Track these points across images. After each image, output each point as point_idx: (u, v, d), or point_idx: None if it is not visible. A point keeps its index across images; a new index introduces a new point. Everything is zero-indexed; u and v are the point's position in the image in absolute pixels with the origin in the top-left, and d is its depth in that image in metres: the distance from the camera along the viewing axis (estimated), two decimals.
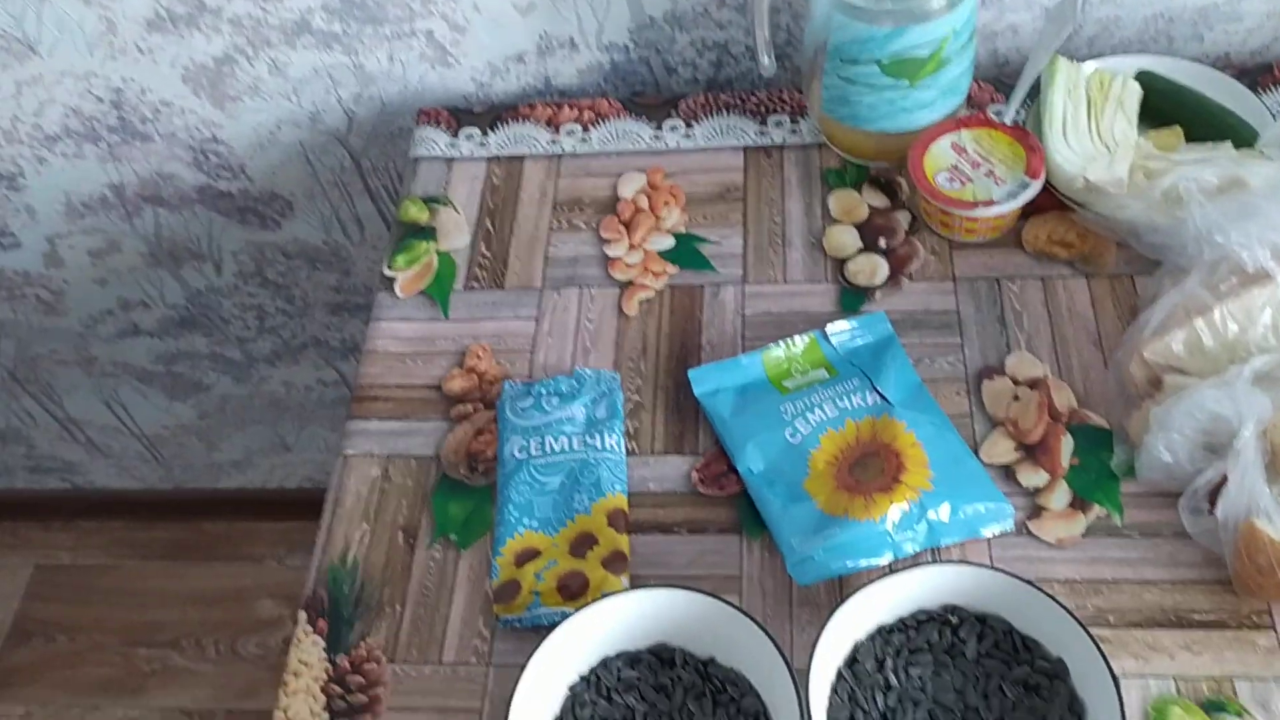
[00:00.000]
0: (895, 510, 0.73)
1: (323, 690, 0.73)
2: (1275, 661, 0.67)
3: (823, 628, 0.64)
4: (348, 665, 0.74)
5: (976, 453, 0.78)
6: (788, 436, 0.78)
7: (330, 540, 0.80)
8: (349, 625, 0.76)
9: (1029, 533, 0.75)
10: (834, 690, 0.66)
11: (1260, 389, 0.70)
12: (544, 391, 0.83)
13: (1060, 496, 0.76)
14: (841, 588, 0.74)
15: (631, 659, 0.70)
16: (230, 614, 1.72)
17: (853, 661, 0.67)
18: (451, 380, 0.87)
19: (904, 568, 0.67)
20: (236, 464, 1.70)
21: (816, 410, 0.79)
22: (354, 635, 0.75)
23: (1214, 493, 0.70)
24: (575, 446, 0.80)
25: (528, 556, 0.75)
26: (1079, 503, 0.76)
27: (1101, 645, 0.62)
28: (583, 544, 0.76)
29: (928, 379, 0.82)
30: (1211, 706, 0.66)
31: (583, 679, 0.69)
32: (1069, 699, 0.64)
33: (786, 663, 0.63)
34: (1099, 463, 0.77)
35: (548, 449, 0.80)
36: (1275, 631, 0.69)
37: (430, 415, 0.85)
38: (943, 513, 0.73)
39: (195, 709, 1.63)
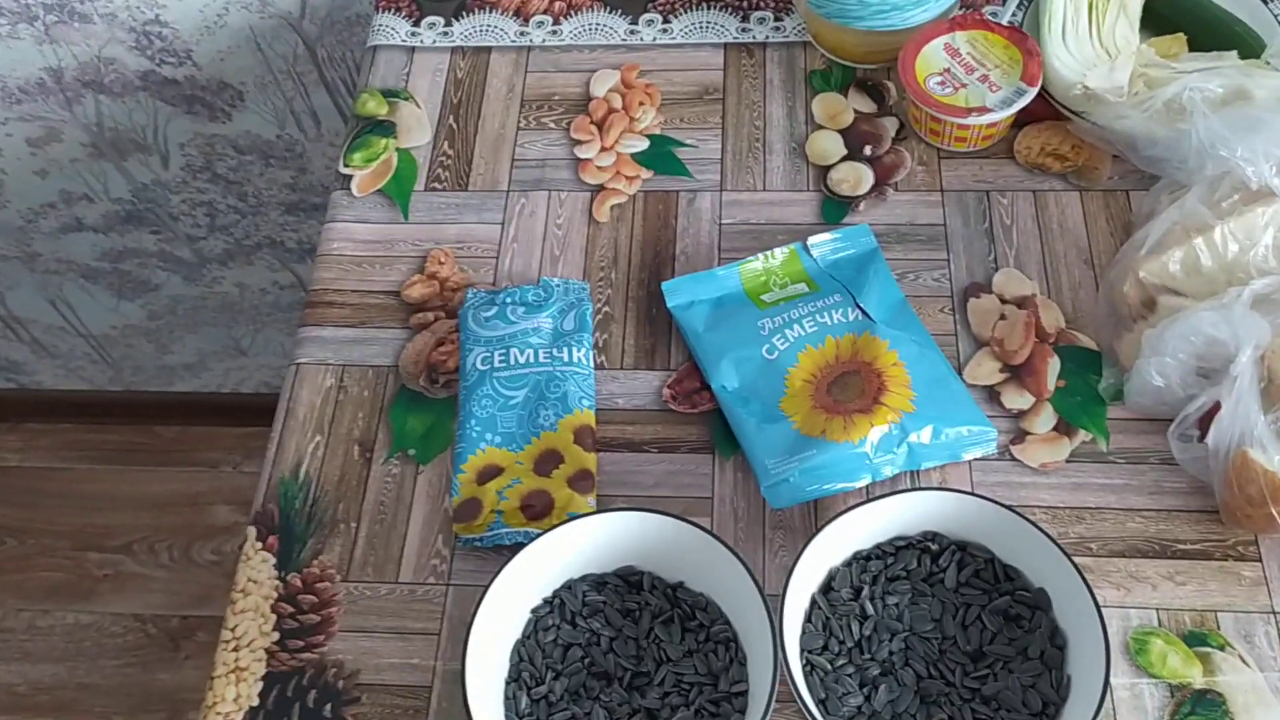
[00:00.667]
0: (875, 432, 0.70)
1: (272, 609, 0.70)
2: (1260, 594, 0.66)
3: (798, 556, 0.62)
4: (299, 584, 0.70)
5: (960, 373, 0.75)
6: (764, 353, 0.75)
7: (281, 452, 0.76)
8: (301, 542, 0.72)
9: (1012, 457, 0.72)
10: (808, 618, 0.64)
11: (1259, 312, 0.67)
12: (509, 301, 0.79)
13: (1045, 420, 0.73)
14: (817, 511, 0.71)
15: (597, 582, 0.67)
16: (185, 519, 1.68)
17: (828, 589, 0.65)
18: (411, 286, 0.82)
19: (883, 493, 0.64)
20: (189, 367, 1.65)
21: (795, 326, 0.76)
22: (306, 553, 0.72)
23: (1205, 420, 0.67)
24: (541, 359, 0.76)
25: (490, 474, 0.72)
26: (1064, 427, 0.73)
27: (1085, 575, 0.60)
28: (548, 462, 0.72)
29: (911, 296, 0.78)
30: (1194, 639, 0.65)
31: (546, 602, 0.66)
32: (1050, 630, 0.62)
33: (759, 589, 0.61)
34: (1086, 386, 0.74)
35: (512, 361, 0.76)
36: (1261, 564, 0.67)
37: (388, 323, 0.81)
38: (924, 435, 0.70)
39: (149, 614, 1.61)
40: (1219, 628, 0.65)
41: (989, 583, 0.64)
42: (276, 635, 0.69)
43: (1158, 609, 0.66)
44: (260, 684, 0.67)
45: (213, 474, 1.72)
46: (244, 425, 1.70)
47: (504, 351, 0.76)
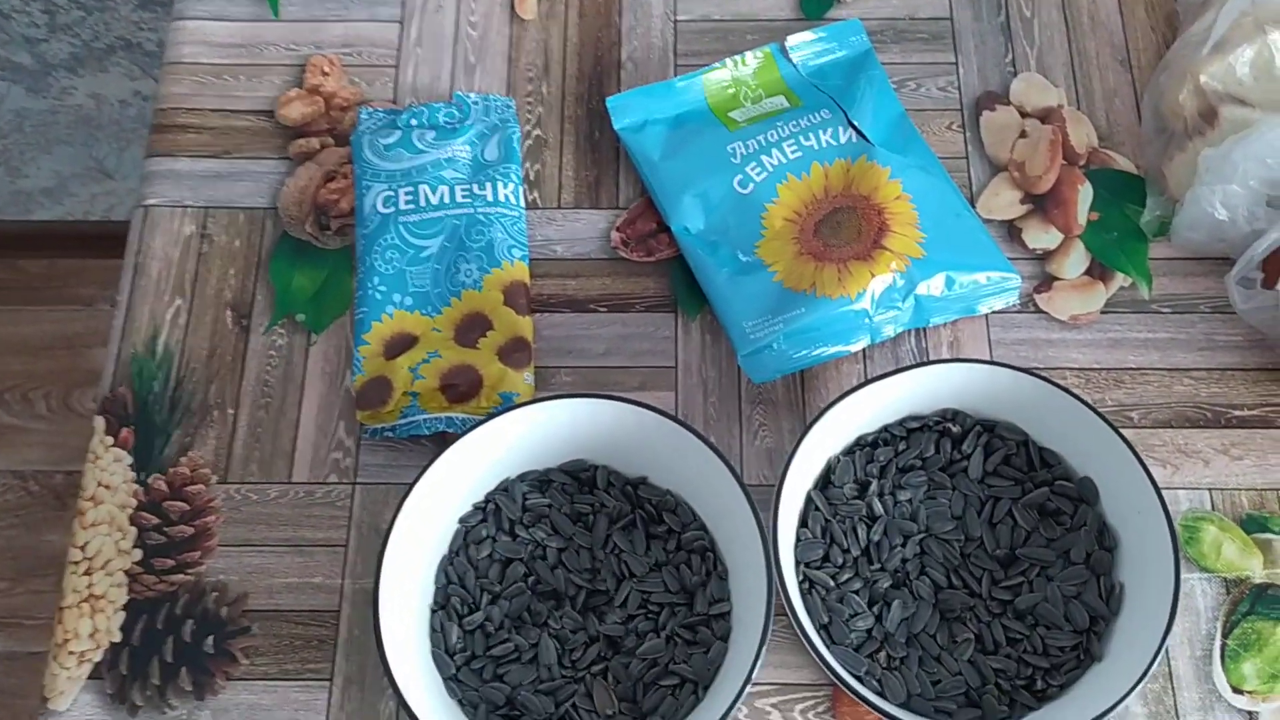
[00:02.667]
0: (877, 284, 0.56)
1: (132, 521, 0.56)
2: None
3: (794, 449, 0.49)
4: (164, 488, 0.56)
5: (973, 205, 0.62)
6: (736, 185, 0.60)
7: (131, 321, 0.60)
8: (163, 435, 0.58)
9: (1036, 308, 0.60)
10: (803, 522, 0.52)
11: None
12: (414, 123, 0.62)
13: (1075, 262, 0.61)
14: (803, 380, 0.59)
15: (540, 481, 0.54)
16: (61, 364, 1.52)
17: (826, 484, 0.53)
18: (288, 104, 0.65)
19: (895, 369, 0.51)
20: (48, 193, 1.45)
21: (773, 151, 0.61)
22: (171, 448, 0.57)
23: (1274, 261, 0.55)
24: (459, 198, 0.60)
25: (401, 346, 0.57)
26: (1098, 270, 0.60)
27: (1145, 461, 0.49)
28: (472, 328, 0.58)
29: (913, 110, 0.64)
30: (1252, 524, 0.55)
31: (477, 508, 0.53)
32: (1098, 529, 0.51)
33: (743, 488, 0.49)
34: (1124, 219, 0.61)
35: (422, 201, 0.60)
36: None
37: (261, 152, 0.64)
38: (934, 286, 0.57)
39: (29, 471, 1.46)
40: None
41: (1022, 471, 0.53)
42: (139, 554, 0.55)
43: (1210, 489, 0.55)
44: (122, 614, 0.54)
45: (88, 312, 1.54)
46: (118, 257, 1.51)
47: (411, 189, 0.60)
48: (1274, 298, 0.56)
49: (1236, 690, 0.52)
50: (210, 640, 0.53)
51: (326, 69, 0.66)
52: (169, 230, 0.62)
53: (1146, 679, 0.45)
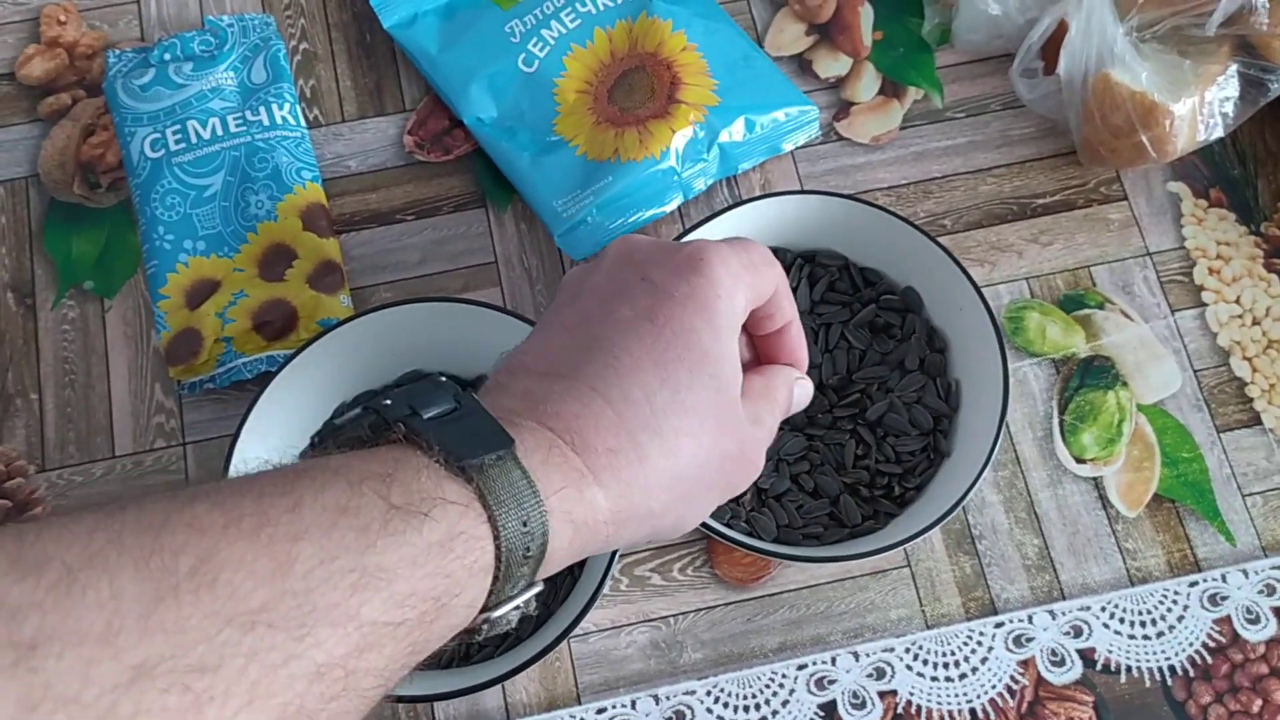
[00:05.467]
0: (679, 139, 0.56)
1: None
2: (1131, 237, 0.58)
3: None
4: None
5: (760, 45, 0.61)
6: (521, 65, 0.59)
7: None
8: None
9: (838, 136, 0.60)
10: None
11: None
12: (168, 57, 0.58)
13: (868, 84, 0.61)
14: None
15: None
16: None
17: None
18: (27, 63, 0.60)
19: (702, 218, 0.51)
20: None
21: (552, 23, 0.59)
22: None
23: (1051, 47, 0.57)
24: (233, 128, 0.57)
25: (203, 293, 0.55)
26: (890, 88, 0.61)
27: (956, 256, 0.50)
28: (276, 261, 0.55)
29: None
30: (1070, 303, 0.57)
31: (318, 439, 0.51)
32: (927, 334, 0.52)
33: None
34: (907, 33, 0.62)
35: (193, 138, 0.57)
36: (1128, 201, 0.59)
37: (10, 118, 0.59)
38: (735, 131, 0.57)
39: None
40: (1094, 284, 0.57)
41: (848, 294, 0.53)
42: None
43: (1027, 278, 0.57)
44: None
45: None
46: None
47: (178, 128, 0.57)
48: (1055, 82, 0.57)
49: (1079, 460, 0.54)
50: None
51: (63, 17, 0.61)
52: None
53: (992, 461, 0.47)
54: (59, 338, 0.55)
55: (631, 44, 0.59)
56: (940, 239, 0.53)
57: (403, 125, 0.60)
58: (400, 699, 0.44)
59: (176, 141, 0.56)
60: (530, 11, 0.60)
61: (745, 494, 0.50)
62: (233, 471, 0.47)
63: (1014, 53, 0.59)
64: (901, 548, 0.47)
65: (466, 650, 0.48)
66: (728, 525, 0.48)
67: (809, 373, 0.42)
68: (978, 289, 0.50)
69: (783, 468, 0.51)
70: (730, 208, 0.51)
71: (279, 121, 0.57)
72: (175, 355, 0.53)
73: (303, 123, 0.58)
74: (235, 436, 0.47)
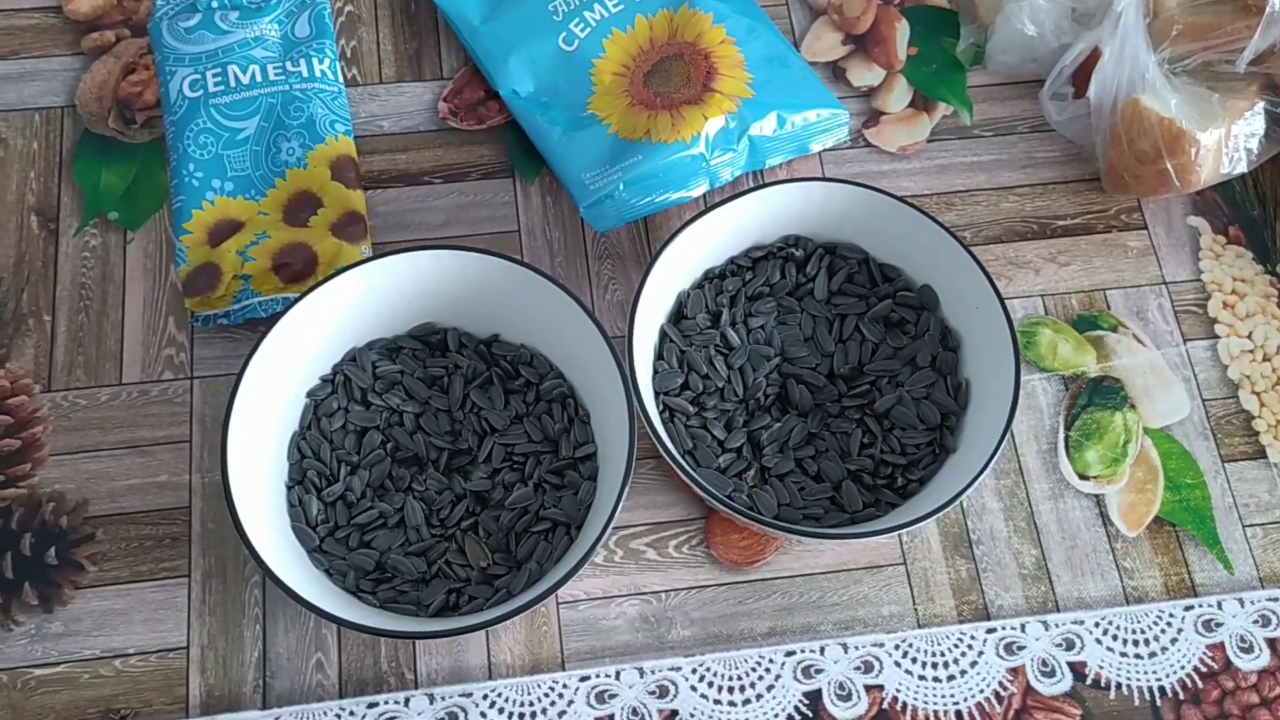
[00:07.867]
0: (711, 126, 0.56)
1: None
2: (1149, 265, 0.58)
3: (643, 281, 0.49)
4: None
5: (798, 49, 0.62)
6: (561, 44, 0.59)
7: None
8: None
9: (866, 143, 0.61)
10: (659, 355, 0.52)
11: None
12: (215, 4, 0.59)
13: (899, 96, 0.62)
14: (649, 232, 0.58)
15: (389, 349, 0.52)
16: None
17: (679, 318, 0.53)
18: None
19: (728, 197, 0.51)
20: None
21: (596, 6, 0.60)
22: None
23: (1083, 72, 0.58)
24: (272, 77, 0.58)
25: (226, 231, 0.55)
26: (921, 101, 0.62)
27: (978, 257, 0.50)
28: (301, 207, 0.56)
29: None
30: (1083, 323, 0.57)
31: (325, 381, 0.51)
32: (941, 332, 0.52)
33: (597, 325, 0.48)
34: (941, 51, 0.63)
35: (232, 82, 0.57)
36: (1147, 230, 0.59)
37: (52, 50, 0.60)
38: (766, 126, 0.57)
39: None
40: (1109, 307, 0.57)
41: (865, 287, 0.54)
42: None
43: (1042, 295, 0.58)
44: None
45: None
46: None
47: (219, 70, 0.57)
48: (1084, 106, 0.58)
49: (1083, 476, 0.54)
50: (52, 551, 0.50)
51: None
52: None
53: (995, 460, 0.47)
54: (78, 263, 0.56)
55: (672, 32, 0.60)
56: None
57: (438, 92, 0.61)
58: (384, 633, 0.43)
59: (216, 84, 0.57)
60: None
61: (749, 469, 0.50)
62: (237, 406, 0.46)
63: (1045, 78, 0.60)
64: (898, 542, 0.47)
65: (455, 601, 0.48)
66: (729, 499, 0.48)
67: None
68: (995, 288, 0.50)
69: (787, 450, 0.50)
70: (757, 188, 0.51)
71: (318, 75, 0.58)
72: (193, 286, 0.53)
73: (341, 79, 0.59)
74: (246, 362, 0.47)
